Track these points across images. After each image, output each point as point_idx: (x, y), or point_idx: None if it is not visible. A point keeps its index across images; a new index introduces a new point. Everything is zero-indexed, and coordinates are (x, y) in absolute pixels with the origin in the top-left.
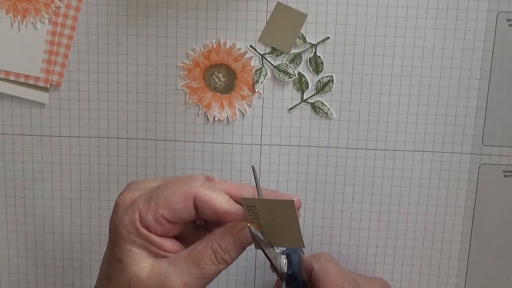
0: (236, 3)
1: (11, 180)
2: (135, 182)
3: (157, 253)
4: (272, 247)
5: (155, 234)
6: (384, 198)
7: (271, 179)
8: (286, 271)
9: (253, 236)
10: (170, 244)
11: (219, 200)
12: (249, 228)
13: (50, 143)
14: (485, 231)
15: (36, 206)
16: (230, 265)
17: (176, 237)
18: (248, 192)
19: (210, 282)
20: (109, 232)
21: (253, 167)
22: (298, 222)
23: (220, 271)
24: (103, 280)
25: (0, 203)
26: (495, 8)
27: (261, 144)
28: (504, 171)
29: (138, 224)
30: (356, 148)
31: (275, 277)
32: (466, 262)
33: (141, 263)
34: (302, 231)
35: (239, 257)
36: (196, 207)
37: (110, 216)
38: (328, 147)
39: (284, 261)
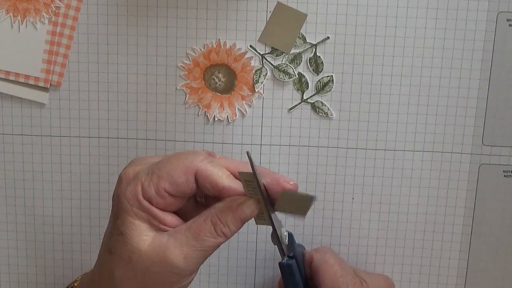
0: (236, 3)
1: (11, 180)
2: (139, 158)
3: (158, 227)
4: (274, 214)
5: (157, 207)
6: (384, 198)
7: None
8: (286, 243)
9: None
10: (170, 218)
11: (220, 175)
12: (247, 153)
13: (50, 143)
14: (485, 231)
15: (36, 206)
16: (230, 265)
17: (177, 213)
18: (248, 169)
19: (208, 255)
20: (112, 206)
21: (247, 152)
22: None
23: (219, 245)
24: (105, 254)
25: (0, 203)
26: (495, 8)
27: (261, 144)
28: (504, 171)
29: (141, 196)
30: (356, 148)
31: (274, 276)
32: (466, 262)
33: (143, 236)
34: (302, 231)
35: (239, 257)
36: (197, 181)
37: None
38: (328, 147)
39: (285, 233)
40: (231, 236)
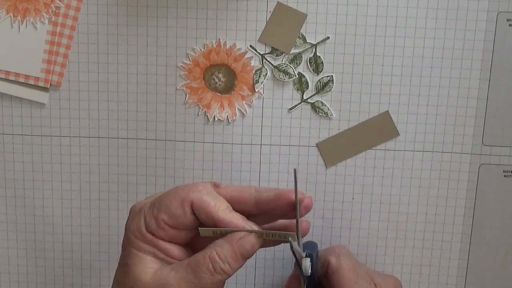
0: (236, 3)
1: (11, 180)
2: (153, 194)
3: (164, 259)
4: (298, 245)
5: (162, 239)
6: (384, 198)
7: (271, 179)
8: (309, 274)
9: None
10: (177, 251)
11: (216, 207)
12: (294, 170)
13: (50, 143)
14: (485, 231)
15: (36, 206)
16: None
17: (187, 246)
18: (250, 194)
19: None
20: (122, 240)
21: (294, 170)
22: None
23: (219, 283)
24: (114, 285)
25: (0, 203)
26: (495, 8)
27: (261, 144)
28: (504, 171)
29: (144, 229)
30: None
31: (274, 276)
32: (466, 262)
33: (146, 268)
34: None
35: None
36: (195, 213)
37: (109, 217)
38: None
39: (309, 264)
40: (232, 273)
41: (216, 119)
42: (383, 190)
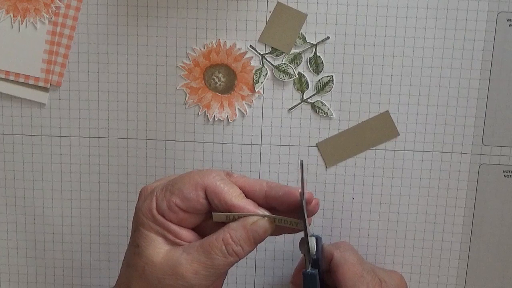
0: (236, 3)
1: (11, 180)
2: (163, 177)
3: (173, 241)
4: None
5: (171, 222)
6: (384, 198)
7: (271, 179)
8: (314, 255)
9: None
10: (187, 234)
11: (230, 193)
12: (301, 162)
13: (50, 143)
14: (485, 231)
15: (36, 206)
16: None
17: (196, 231)
18: (261, 187)
19: (221, 274)
20: (133, 220)
21: (301, 162)
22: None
23: (231, 264)
24: (123, 268)
25: (0, 203)
26: (495, 8)
27: (261, 144)
28: (504, 171)
29: (155, 211)
30: None
31: (274, 276)
32: (466, 262)
33: (157, 249)
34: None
35: None
36: (208, 198)
37: (109, 217)
38: None
39: (314, 242)
40: (244, 256)
41: (216, 119)
42: (383, 190)
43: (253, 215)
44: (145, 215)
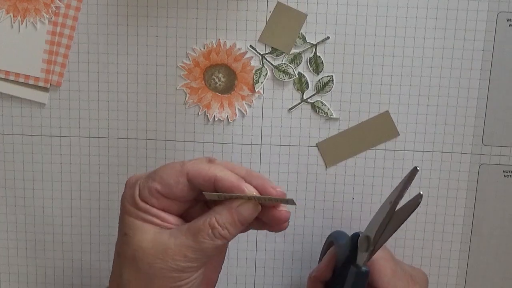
0: (236, 3)
1: (11, 180)
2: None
3: (161, 225)
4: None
5: (153, 207)
6: (384, 198)
7: (271, 179)
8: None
9: None
10: (173, 219)
11: (212, 169)
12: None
13: (50, 143)
14: (485, 231)
15: (36, 206)
16: (230, 265)
17: (183, 218)
18: (240, 172)
19: (210, 256)
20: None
21: (415, 168)
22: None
23: (220, 247)
24: (115, 257)
25: (0, 203)
26: (495, 8)
27: (261, 144)
28: (504, 171)
29: (137, 198)
30: None
31: (274, 276)
32: (466, 262)
33: (145, 235)
34: (302, 231)
35: (239, 257)
36: (191, 184)
37: (109, 216)
38: None
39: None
40: (231, 238)
41: (216, 119)
42: (383, 190)
43: (243, 196)
44: (129, 202)
